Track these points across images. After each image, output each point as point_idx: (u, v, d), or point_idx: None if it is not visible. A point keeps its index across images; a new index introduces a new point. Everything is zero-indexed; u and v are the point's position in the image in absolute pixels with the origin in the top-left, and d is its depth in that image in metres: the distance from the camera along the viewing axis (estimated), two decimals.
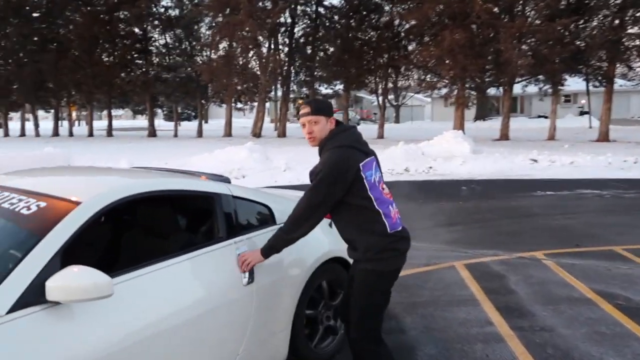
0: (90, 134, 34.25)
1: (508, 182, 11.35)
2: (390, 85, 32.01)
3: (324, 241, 3.14)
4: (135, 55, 32.15)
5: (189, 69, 29.78)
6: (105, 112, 36.29)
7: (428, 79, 25.74)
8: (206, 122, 49.72)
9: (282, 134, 28.65)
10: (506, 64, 19.94)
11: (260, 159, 12.84)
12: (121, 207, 2.24)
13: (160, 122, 49.23)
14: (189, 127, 39.23)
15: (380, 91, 28.67)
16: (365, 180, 2.43)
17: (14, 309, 1.71)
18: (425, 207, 8.43)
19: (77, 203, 2.07)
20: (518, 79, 23.93)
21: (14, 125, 40.09)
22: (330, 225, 3.19)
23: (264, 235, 2.73)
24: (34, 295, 1.75)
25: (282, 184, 10.98)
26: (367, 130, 31.88)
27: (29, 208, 2.11)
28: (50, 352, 1.72)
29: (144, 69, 32.00)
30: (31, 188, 2.28)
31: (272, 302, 2.67)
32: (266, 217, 2.87)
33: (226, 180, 2.84)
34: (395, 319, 3.77)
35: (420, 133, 25.88)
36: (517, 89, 27.03)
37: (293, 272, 2.82)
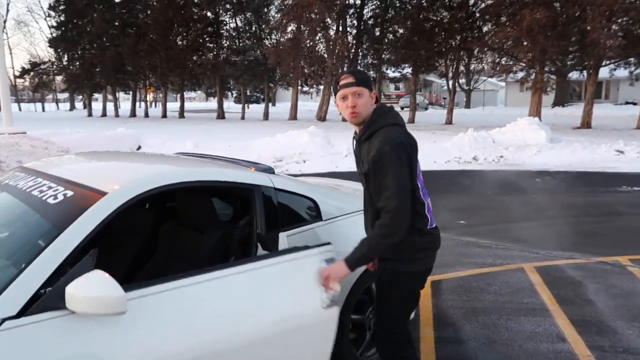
0: (164, 115, 35.65)
1: (588, 175, 10.40)
2: (461, 68, 30.62)
3: None
4: (207, 39, 32.92)
5: (258, 52, 30.04)
6: (180, 94, 37.55)
7: (503, 62, 24.27)
8: (274, 105, 50.44)
9: None
10: (593, 46, 18.29)
11: (321, 143, 12.64)
12: (152, 198, 2.09)
13: (230, 105, 50.47)
14: (257, 109, 39.86)
15: (450, 75, 27.49)
16: (416, 166, 2.15)
17: (26, 310, 1.60)
18: (493, 199, 7.86)
19: (103, 194, 1.94)
20: (605, 61, 21.97)
21: (98, 105, 42.55)
22: None
23: (307, 233, 2.52)
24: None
25: (343, 169, 10.73)
26: (434, 116, 31.04)
27: (55, 197, 2.01)
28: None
29: (214, 52, 32.71)
30: (65, 175, 2.18)
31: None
32: (311, 212, 2.64)
33: (269, 170, 2.63)
34: (452, 326, 3.44)
35: (491, 119, 24.61)
36: (603, 72, 24.87)
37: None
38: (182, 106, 35.84)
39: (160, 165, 2.62)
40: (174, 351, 1.76)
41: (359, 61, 28.72)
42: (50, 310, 1.61)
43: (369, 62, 29.27)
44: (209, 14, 32.15)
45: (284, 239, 2.39)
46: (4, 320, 1.55)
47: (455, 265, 4.67)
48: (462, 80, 34.57)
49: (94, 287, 1.59)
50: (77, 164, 2.57)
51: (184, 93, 38.05)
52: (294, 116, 30.21)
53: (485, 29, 24.49)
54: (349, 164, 11.14)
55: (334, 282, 2.12)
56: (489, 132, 14.43)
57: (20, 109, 54.03)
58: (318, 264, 2.17)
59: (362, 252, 2.08)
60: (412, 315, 3.12)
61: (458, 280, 4.28)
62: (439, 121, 26.03)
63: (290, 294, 2.12)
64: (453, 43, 25.47)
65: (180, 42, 32.64)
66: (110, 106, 41.47)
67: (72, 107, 55.93)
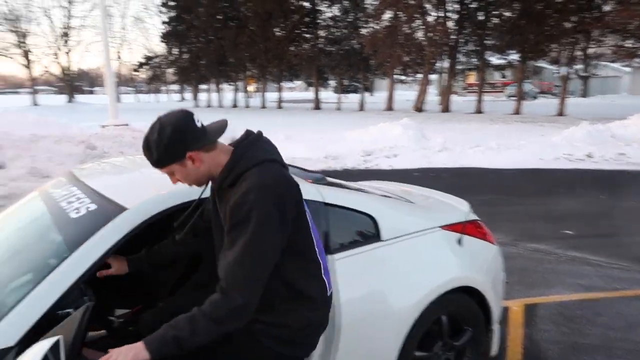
0: (263, 106, 36.73)
1: None
2: (577, 53, 27.77)
3: (449, 264, 2.42)
4: (304, 29, 33.21)
5: (353, 41, 29.71)
6: (278, 85, 38.47)
7: (627, 45, 21.55)
8: (372, 94, 49.88)
9: (445, 109, 27.04)
10: None
11: (414, 136, 12.01)
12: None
13: (328, 95, 50.78)
14: (354, 99, 39.64)
15: (564, 61, 25.03)
16: (307, 212, 1.64)
17: (24, 342, 1.42)
18: (609, 205, 6.81)
19: (123, 209, 1.73)
20: None
21: (205, 97, 44.99)
22: (459, 242, 2.47)
23: (361, 256, 2.15)
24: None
25: (436, 165, 10.09)
26: (544, 106, 28.54)
27: (78, 210, 1.84)
28: None
29: (311, 43, 32.94)
30: (96, 186, 2.02)
31: (365, 338, 2.08)
32: (368, 231, 2.25)
33: (320, 180, 2.29)
34: None
35: (611, 110, 22.07)
36: None
37: (400, 303, 2.17)
38: (279, 97, 36.63)
39: None
40: None
41: (460, 48, 27.22)
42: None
43: (471, 48, 27.64)
44: (306, 4, 32.37)
45: (332, 263, 2.04)
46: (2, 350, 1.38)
47: (556, 287, 4.00)
48: (579, 66, 31.39)
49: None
50: (116, 172, 2.42)
51: (283, 83, 38.89)
52: (389, 107, 29.52)
53: (606, 8, 21.87)
54: (443, 160, 10.46)
55: None
56: (607, 125, 12.80)
57: (138, 100, 58.91)
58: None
59: (179, 335, 1.39)
60: (495, 349, 2.64)
61: (558, 307, 3.64)
62: (549, 112, 23.87)
63: None
64: (567, 25, 23.09)
65: (279, 33, 33.27)
66: (215, 97, 43.62)
67: (182, 98, 59.85)
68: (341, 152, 10.93)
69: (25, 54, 45.38)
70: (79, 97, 57.49)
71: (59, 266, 1.55)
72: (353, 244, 2.17)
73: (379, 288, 2.14)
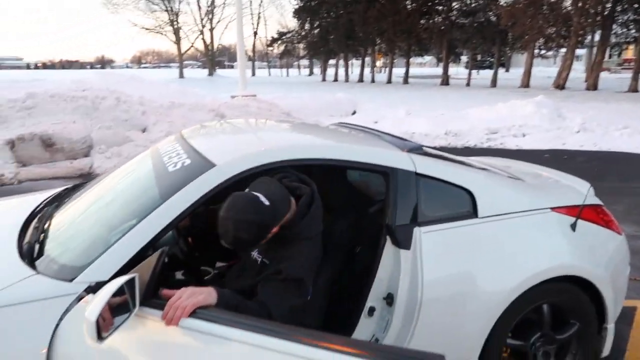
0: (389, 81, 36.28)
1: None
2: None
3: (556, 250, 2.18)
4: (436, 2, 31.83)
5: (489, 12, 27.77)
6: (410, 60, 37.62)
7: None
8: (507, 70, 46.61)
9: (592, 86, 24.24)
10: None
11: (549, 115, 10.96)
12: (265, 173, 1.89)
13: (459, 71, 48.45)
14: (486, 75, 37.28)
15: None
16: None
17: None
18: None
19: (212, 166, 1.82)
20: None
21: (332, 71, 45.79)
22: (572, 226, 2.21)
23: (452, 231, 2.02)
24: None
25: (570, 147, 9.13)
26: None
27: (175, 165, 1.97)
28: None
29: (442, 15, 31.50)
30: (196, 144, 2.14)
31: (448, 318, 1.97)
32: (463, 206, 2.10)
33: (415, 149, 2.17)
34: None
35: None
36: None
37: (492, 286, 2.01)
38: (406, 72, 35.85)
39: (292, 139, 2.40)
40: None
41: (616, 17, 24.02)
42: None
43: (629, 17, 24.24)
44: None
45: (419, 236, 1.94)
46: (93, 286, 1.55)
47: None
48: None
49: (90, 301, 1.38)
50: (219, 133, 2.54)
51: (413, 59, 37.95)
52: (526, 83, 27.30)
53: None
54: (580, 142, 9.43)
55: (185, 310, 1.43)
56: None
57: (269, 74, 61.84)
58: None
59: (240, 306, 1.58)
60: (607, 350, 2.34)
61: None
62: None
63: None
64: None
65: (409, 6, 32.31)
66: (342, 72, 44.12)
67: (311, 73, 61.50)
68: (463, 129, 10.38)
69: (176, 31, 49.89)
70: (219, 71, 62.00)
71: (150, 214, 1.68)
72: (444, 219, 2.04)
73: (469, 267, 1.99)
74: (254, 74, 60.12)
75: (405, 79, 35.21)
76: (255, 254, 1.89)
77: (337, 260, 2.10)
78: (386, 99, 19.44)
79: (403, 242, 1.93)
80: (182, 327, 1.42)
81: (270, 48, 52.52)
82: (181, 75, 49.75)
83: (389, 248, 1.97)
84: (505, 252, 2.07)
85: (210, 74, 54.20)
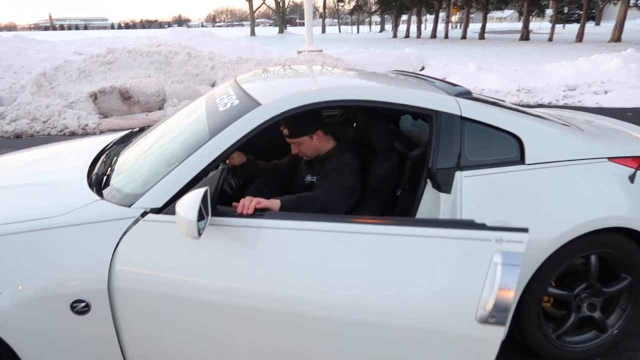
0: (464, 37, 34.57)
1: None
2: None
3: (609, 200, 2.09)
4: None
5: None
6: (488, 14, 35.48)
7: None
8: (597, 24, 42.89)
9: None
10: None
11: (636, 70, 10.07)
12: (310, 113, 1.96)
13: (542, 25, 45.15)
14: (573, 30, 34.46)
15: None
16: None
17: (169, 205, 1.73)
18: None
19: (258, 105, 1.90)
20: None
21: (403, 28, 44.28)
22: (630, 178, 2.11)
23: (495, 177, 2.00)
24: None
25: None
26: None
27: (225, 105, 2.08)
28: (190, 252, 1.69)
29: None
30: (247, 87, 2.23)
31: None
32: (509, 152, 2.05)
33: (464, 94, 2.13)
34: None
35: None
36: None
37: (533, 233, 1.98)
38: (483, 27, 33.95)
39: (340, 81, 2.43)
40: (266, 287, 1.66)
41: None
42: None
43: None
44: None
45: (460, 180, 1.94)
46: (148, 211, 1.72)
47: None
48: None
49: (182, 206, 1.56)
50: (272, 78, 2.60)
51: (490, 13, 35.81)
52: (617, 37, 25.02)
53: None
54: None
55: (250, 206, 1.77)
56: None
57: (340, 31, 60.89)
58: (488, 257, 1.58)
59: (301, 197, 2.07)
60: None
61: None
62: None
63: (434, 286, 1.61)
64: None
65: None
66: (414, 29, 42.54)
67: (382, 29, 59.81)
68: (538, 86, 9.80)
69: None
70: (290, 29, 61.86)
71: (198, 150, 1.81)
72: (489, 164, 2.01)
73: (510, 214, 1.96)
74: (324, 31, 59.45)
75: (482, 34, 33.38)
76: (308, 177, 2.32)
77: (378, 202, 2.15)
78: (458, 54, 18.63)
79: (443, 185, 1.94)
80: (248, 226, 1.71)
81: (341, 4, 51.42)
82: (252, 33, 50.24)
83: (429, 191, 1.99)
84: (552, 200, 2.01)
85: (281, 31, 54.25)
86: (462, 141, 2.00)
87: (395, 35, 42.40)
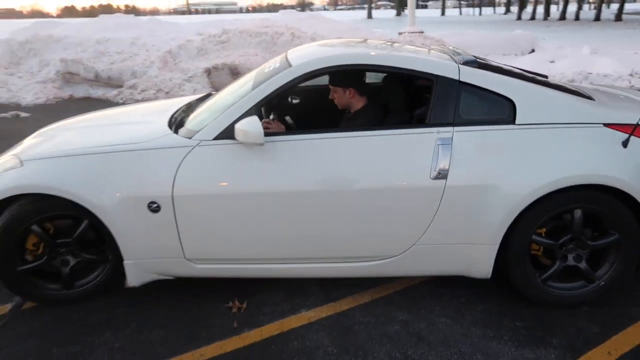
0: (597, 19, 31.64)
1: None
2: None
3: (595, 160, 2.30)
4: None
5: None
6: None
7: None
8: None
9: None
10: None
11: None
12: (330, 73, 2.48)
13: None
14: None
15: None
16: None
17: (219, 137, 2.37)
18: None
19: (289, 66, 2.45)
20: None
21: (530, 9, 41.46)
22: (624, 144, 2.33)
23: (485, 133, 2.34)
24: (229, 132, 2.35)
25: None
26: None
27: (269, 68, 2.66)
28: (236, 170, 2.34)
29: None
30: (290, 54, 2.79)
31: (469, 208, 2.33)
32: (502, 113, 2.36)
33: (470, 62, 2.46)
34: None
35: None
36: None
37: (513, 184, 2.27)
38: (621, 7, 30.72)
39: (356, 51, 2.80)
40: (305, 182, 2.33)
41: None
42: (228, 139, 2.35)
43: None
44: None
45: (452, 134, 2.32)
46: (202, 140, 2.37)
47: None
48: None
49: (247, 125, 2.24)
50: (311, 46, 3.08)
51: None
52: None
53: None
54: None
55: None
56: None
57: (460, 13, 58.60)
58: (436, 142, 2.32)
59: None
60: None
61: None
62: None
63: (406, 160, 2.35)
64: None
65: None
66: (540, 10, 39.70)
67: (507, 11, 56.42)
68: None
69: None
70: (407, 11, 60.86)
71: (240, 100, 2.42)
72: (479, 122, 2.35)
73: (494, 165, 2.29)
74: (443, 14, 57.66)
75: (619, 15, 30.25)
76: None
77: None
78: (580, 38, 17.34)
79: None
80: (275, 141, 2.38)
81: None
82: (369, 16, 50.46)
83: None
84: (537, 156, 2.29)
85: (398, 13, 53.71)
86: (458, 101, 2.36)
87: (519, 18, 39.90)
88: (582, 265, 2.45)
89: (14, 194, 2.37)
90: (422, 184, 2.30)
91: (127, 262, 2.48)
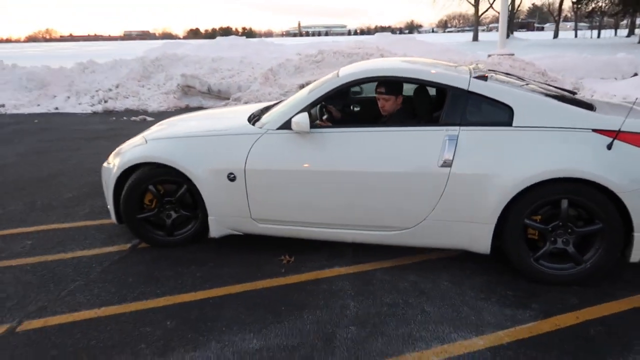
0: None
1: None
2: None
3: (575, 158, 2.75)
4: None
5: None
6: None
7: None
8: None
9: None
10: None
11: None
12: (370, 82, 3.22)
13: None
14: None
15: None
16: None
17: (281, 127, 3.20)
18: None
19: (337, 76, 3.22)
20: None
21: None
22: (608, 147, 2.79)
23: (484, 133, 2.91)
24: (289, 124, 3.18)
25: None
26: None
27: (324, 77, 3.45)
28: (293, 154, 3.14)
29: None
30: (342, 68, 3.56)
31: (470, 192, 2.90)
32: (501, 117, 2.91)
33: (481, 77, 3.04)
34: None
35: None
36: None
37: (505, 174, 2.82)
38: None
39: (392, 65, 3.47)
40: (341, 164, 3.07)
41: None
42: (287, 129, 3.17)
43: None
44: None
45: (458, 132, 2.93)
46: (269, 130, 3.22)
47: None
48: None
49: (299, 118, 3.05)
50: (365, 63, 3.82)
51: None
52: None
53: None
54: None
55: None
56: None
57: (576, 36, 55.41)
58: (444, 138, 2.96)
59: None
60: (636, 257, 2.80)
61: None
62: None
63: (418, 152, 3.00)
64: None
65: None
66: None
67: (631, 33, 52.40)
68: None
69: None
70: (520, 34, 58.76)
71: (296, 101, 3.23)
72: (482, 123, 2.93)
73: (491, 158, 2.85)
74: (556, 36, 55.04)
75: None
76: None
77: None
78: None
79: None
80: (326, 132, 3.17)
81: (578, 6, 46.95)
82: (475, 38, 49.69)
83: None
84: (528, 152, 2.81)
85: (507, 36, 52.16)
86: (465, 106, 2.97)
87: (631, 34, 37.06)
88: (570, 248, 2.89)
89: (139, 162, 3.38)
90: (431, 170, 2.93)
91: (211, 218, 3.37)
